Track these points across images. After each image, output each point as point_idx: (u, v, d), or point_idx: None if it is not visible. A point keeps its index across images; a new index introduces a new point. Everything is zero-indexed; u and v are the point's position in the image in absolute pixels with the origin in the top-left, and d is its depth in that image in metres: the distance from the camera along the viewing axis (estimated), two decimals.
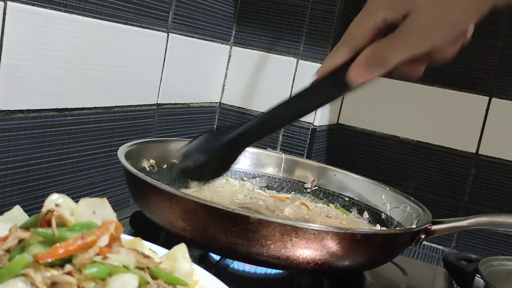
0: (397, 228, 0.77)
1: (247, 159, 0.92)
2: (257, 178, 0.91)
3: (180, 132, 1.00)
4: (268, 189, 0.91)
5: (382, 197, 0.82)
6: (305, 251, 0.56)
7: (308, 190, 0.90)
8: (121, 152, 0.69)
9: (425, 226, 0.67)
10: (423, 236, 0.65)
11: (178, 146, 0.86)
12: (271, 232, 0.55)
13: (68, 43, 0.69)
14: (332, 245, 0.56)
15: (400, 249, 0.66)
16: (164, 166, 0.82)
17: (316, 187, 0.90)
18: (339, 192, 0.88)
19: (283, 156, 0.93)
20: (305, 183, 0.91)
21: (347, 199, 0.87)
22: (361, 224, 0.80)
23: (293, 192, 0.90)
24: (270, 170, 0.93)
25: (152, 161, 0.79)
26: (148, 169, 0.78)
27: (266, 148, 1.00)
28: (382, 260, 0.67)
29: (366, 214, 0.84)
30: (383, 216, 0.81)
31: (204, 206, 0.57)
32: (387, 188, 0.83)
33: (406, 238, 0.64)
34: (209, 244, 0.59)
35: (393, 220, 0.79)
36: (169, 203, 0.59)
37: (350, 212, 0.85)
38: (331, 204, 0.86)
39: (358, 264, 0.61)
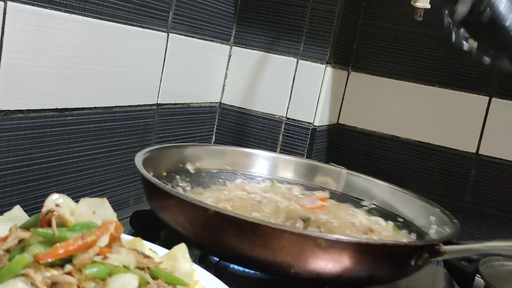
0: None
1: (300, 170, 0.94)
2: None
3: (180, 132, 1.00)
4: None
5: (429, 219, 0.80)
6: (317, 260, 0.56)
7: (365, 208, 0.88)
8: (139, 159, 0.70)
9: (429, 243, 0.63)
10: (426, 255, 0.61)
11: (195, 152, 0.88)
12: (282, 240, 0.55)
13: (68, 43, 0.69)
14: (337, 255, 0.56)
15: (398, 266, 0.63)
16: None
17: (373, 206, 0.88)
18: (395, 213, 0.86)
19: (343, 171, 0.92)
20: (363, 200, 0.90)
21: (401, 219, 0.85)
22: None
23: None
24: (330, 184, 0.93)
25: (198, 164, 0.82)
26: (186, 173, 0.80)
27: (328, 163, 1.00)
28: (382, 276, 0.63)
29: (413, 235, 0.80)
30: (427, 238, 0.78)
31: (219, 215, 0.57)
32: (438, 209, 0.80)
33: (401, 253, 0.61)
34: (218, 250, 0.60)
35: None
36: (193, 214, 0.59)
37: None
38: (389, 222, 0.83)
39: (353, 277, 0.59)
